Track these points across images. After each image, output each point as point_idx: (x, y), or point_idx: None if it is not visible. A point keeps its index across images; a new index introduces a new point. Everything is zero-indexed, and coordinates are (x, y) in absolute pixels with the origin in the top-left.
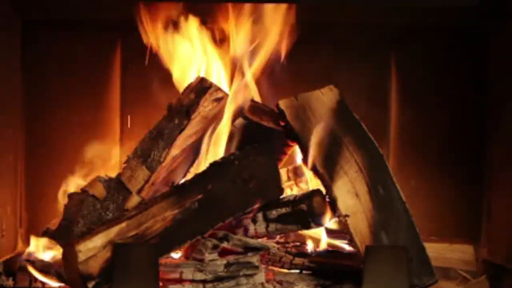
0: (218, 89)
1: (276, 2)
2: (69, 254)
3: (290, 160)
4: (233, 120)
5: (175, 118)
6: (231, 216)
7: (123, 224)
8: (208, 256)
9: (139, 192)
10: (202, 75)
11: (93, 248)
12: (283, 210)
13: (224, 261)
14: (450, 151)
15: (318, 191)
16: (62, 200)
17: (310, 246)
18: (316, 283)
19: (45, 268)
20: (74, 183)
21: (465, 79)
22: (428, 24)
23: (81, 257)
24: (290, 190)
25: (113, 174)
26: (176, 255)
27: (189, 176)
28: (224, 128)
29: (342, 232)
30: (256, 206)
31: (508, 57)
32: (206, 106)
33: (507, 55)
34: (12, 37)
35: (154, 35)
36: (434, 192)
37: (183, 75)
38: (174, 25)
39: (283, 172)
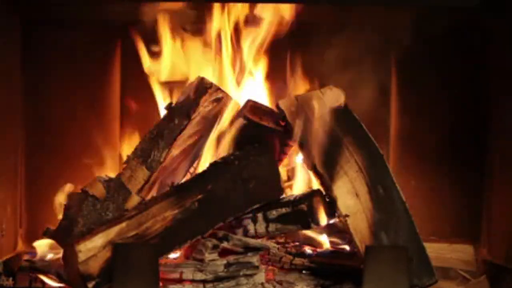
0: (218, 89)
1: (276, 2)
2: (69, 254)
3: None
4: (233, 120)
5: (175, 118)
6: (231, 216)
7: (123, 224)
8: (208, 256)
9: (139, 192)
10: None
11: (93, 248)
12: (283, 210)
13: (224, 261)
14: (450, 151)
15: (318, 191)
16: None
17: (310, 246)
18: (316, 283)
19: (45, 268)
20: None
21: (465, 79)
22: (428, 24)
23: (81, 257)
24: (290, 190)
25: (113, 174)
26: (176, 255)
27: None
28: (224, 128)
29: (342, 232)
30: (256, 206)
31: (508, 57)
32: (206, 106)
33: (507, 55)
34: (12, 37)
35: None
36: (434, 192)
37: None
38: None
39: (283, 172)
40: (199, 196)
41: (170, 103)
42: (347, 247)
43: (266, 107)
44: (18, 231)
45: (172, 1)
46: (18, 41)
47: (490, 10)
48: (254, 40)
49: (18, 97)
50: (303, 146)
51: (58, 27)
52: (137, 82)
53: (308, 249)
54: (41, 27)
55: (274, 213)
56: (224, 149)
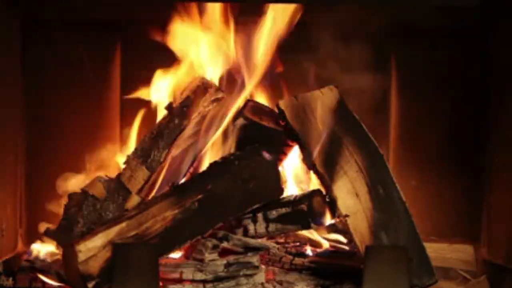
0: (218, 89)
1: (276, 2)
2: (69, 254)
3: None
4: (233, 120)
5: (175, 118)
6: (231, 216)
7: (123, 224)
8: (208, 256)
9: (139, 192)
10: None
11: (93, 248)
12: (283, 210)
13: (224, 261)
14: (450, 151)
15: (318, 191)
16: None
17: (310, 246)
18: (316, 283)
19: (45, 268)
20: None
21: (465, 79)
22: (428, 24)
23: (81, 257)
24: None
25: (113, 174)
26: (176, 255)
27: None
28: (224, 128)
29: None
30: (256, 206)
31: (508, 57)
32: (206, 106)
33: (507, 55)
34: (12, 37)
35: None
36: (434, 192)
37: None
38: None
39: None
40: (199, 196)
41: (170, 103)
42: (346, 247)
43: (266, 107)
44: (18, 231)
45: (172, 1)
46: (18, 41)
47: (490, 10)
48: (260, 41)
49: (18, 97)
50: (303, 146)
51: (58, 27)
52: (137, 82)
53: (308, 249)
54: (41, 27)
55: (274, 213)
56: (224, 149)
